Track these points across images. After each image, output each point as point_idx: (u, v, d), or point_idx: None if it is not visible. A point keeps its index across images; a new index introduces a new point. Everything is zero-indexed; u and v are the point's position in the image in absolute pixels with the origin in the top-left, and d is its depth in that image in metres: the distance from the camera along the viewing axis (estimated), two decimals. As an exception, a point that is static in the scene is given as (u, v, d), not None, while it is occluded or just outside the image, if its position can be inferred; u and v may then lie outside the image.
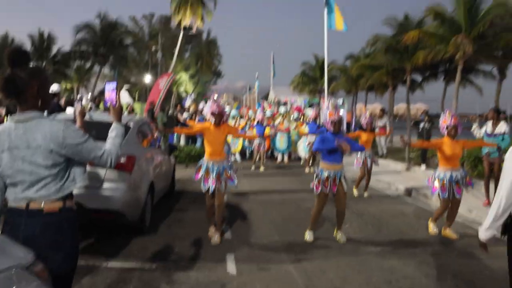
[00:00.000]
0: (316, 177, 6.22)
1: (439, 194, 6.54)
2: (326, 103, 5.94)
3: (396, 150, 18.46)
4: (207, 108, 6.24)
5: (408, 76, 26.51)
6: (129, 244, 5.92)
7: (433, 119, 14.43)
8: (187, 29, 37.62)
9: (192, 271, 5.02)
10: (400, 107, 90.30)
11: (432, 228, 6.86)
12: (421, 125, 13.99)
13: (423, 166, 13.59)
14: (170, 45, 44.97)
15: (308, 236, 6.39)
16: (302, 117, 17.98)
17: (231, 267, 5.18)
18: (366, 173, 9.91)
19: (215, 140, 6.21)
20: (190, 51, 52.68)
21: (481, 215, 7.49)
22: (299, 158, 16.75)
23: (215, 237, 6.14)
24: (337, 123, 6.13)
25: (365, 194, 9.92)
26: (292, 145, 16.92)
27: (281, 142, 16.37)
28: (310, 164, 13.89)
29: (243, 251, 5.79)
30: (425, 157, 13.86)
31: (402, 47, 24.58)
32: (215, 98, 6.48)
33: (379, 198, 9.89)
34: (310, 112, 16.71)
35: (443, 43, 21.62)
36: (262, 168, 14.16)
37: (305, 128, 15.78)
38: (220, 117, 6.19)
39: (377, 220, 7.76)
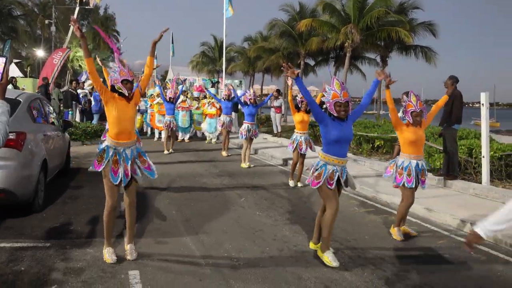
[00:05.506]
0: (315, 172, 4.91)
1: (404, 184, 5.73)
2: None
3: (290, 129, 19.20)
4: (116, 74, 4.54)
5: (302, 60, 27.99)
6: (21, 223, 5.71)
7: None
8: (83, 3, 35.80)
9: (89, 247, 4.97)
10: (294, 89, 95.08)
11: (397, 235, 5.83)
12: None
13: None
14: (65, 19, 42.60)
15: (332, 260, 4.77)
16: (203, 96, 18.20)
17: (128, 242, 5.19)
18: (300, 157, 8.85)
19: (124, 115, 4.56)
20: (87, 27, 50.40)
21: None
22: (202, 135, 17.45)
23: (130, 255, 4.70)
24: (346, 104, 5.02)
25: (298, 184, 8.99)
26: (194, 123, 17.14)
27: (183, 120, 16.36)
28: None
29: (141, 226, 5.80)
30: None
31: (297, 33, 26.04)
32: (120, 58, 4.79)
33: (274, 173, 10.35)
34: (213, 91, 17.43)
35: (334, 31, 23.53)
36: (169, 150, 13.25)
37: (207, 108, 16.11)
38: (132, 85, 4.60)
39: (270, 194, 8.16)
